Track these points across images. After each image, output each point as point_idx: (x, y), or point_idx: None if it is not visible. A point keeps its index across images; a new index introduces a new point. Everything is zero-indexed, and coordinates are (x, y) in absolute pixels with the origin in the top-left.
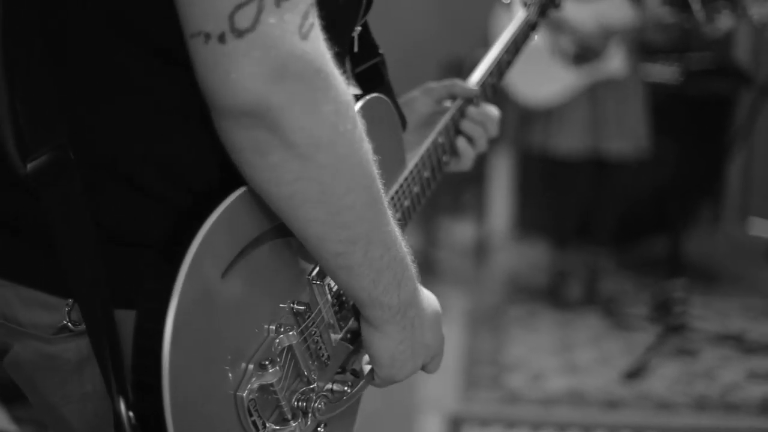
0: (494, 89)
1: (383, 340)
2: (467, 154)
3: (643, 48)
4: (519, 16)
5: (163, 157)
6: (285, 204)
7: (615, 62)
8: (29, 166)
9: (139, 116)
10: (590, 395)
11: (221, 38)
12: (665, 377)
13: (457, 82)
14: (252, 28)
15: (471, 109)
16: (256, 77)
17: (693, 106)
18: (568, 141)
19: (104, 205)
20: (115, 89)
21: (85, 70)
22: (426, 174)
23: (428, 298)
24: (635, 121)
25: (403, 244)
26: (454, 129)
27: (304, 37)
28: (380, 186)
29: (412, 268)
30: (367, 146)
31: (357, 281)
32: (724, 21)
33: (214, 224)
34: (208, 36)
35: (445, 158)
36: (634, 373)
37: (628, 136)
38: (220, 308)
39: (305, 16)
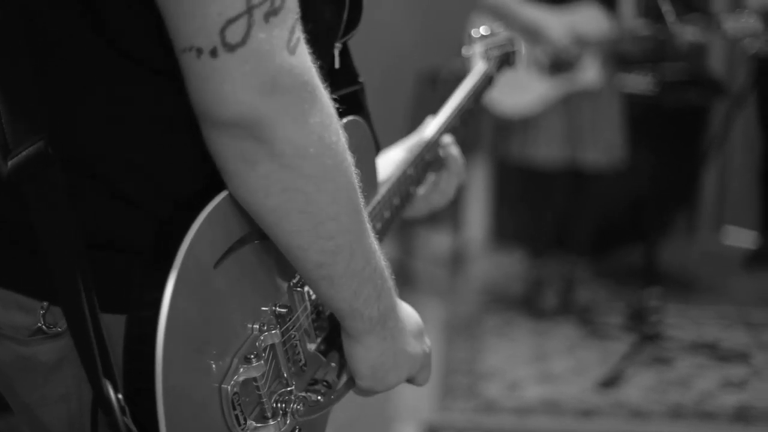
0: (455, 133)
1: (364, 351)
2: (447, 185)
3: (618, 59)
4: (479, 68)
5: (144, 166)
6: (271, 216)
7: (590, 73)
8: (10, 163)
9: (121, 124)
10: (566, 404)
11: (213, 53)
12: (640, 386)
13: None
14: (243, 42)
15: (446, 147)
16: (248, 90)
17: (668, 117)
18: (545, 150)
19: (86, 209)
20: (97, 96)
21: (68, 76)
22: (396, 201)
23: (408, 310)
24: (611, 132)
25: (382, 256)
26: (425, 164)
27: (292, 51)
28: (361, 198)
29: (391, 281)
30: (350, 158)
31: (338, 292)
32: (698, 34)
33: (201, 227)
34: (200, 51)
35: (412, 189)
36: (610, 382)
37: (604, 147)
38: (209, 307)
39: (292, 31)
